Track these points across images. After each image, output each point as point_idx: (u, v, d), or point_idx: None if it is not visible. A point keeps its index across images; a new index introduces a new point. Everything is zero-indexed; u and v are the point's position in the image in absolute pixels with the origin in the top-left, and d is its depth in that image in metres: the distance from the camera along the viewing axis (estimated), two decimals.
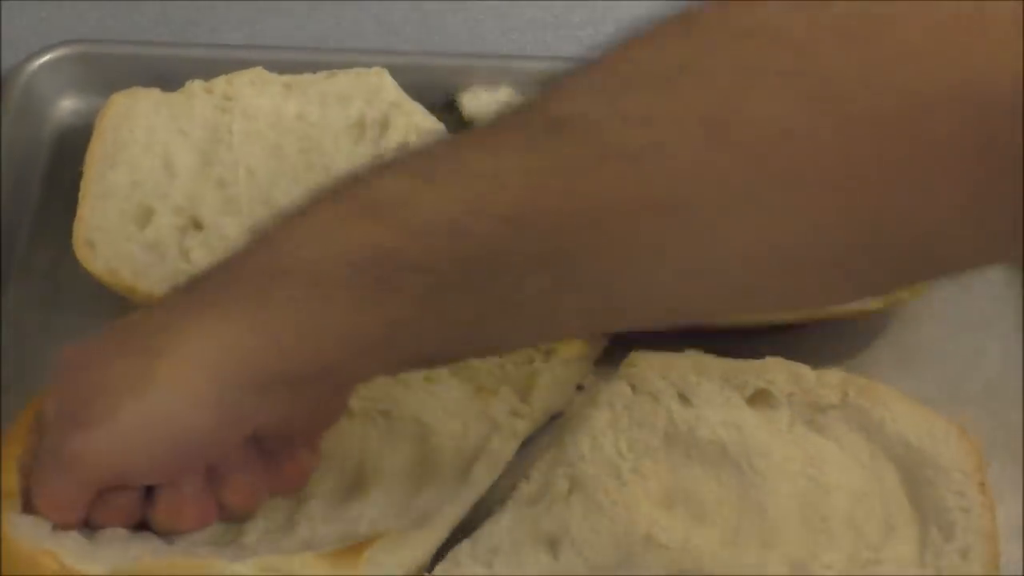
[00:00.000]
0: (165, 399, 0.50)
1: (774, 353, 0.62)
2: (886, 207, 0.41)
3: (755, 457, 0.59)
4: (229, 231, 0.65)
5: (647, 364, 0.61)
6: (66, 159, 0.71)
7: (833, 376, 0.61)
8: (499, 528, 0.57)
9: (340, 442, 0.58)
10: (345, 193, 0.49)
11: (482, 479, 0.58)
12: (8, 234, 0.68)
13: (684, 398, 0.60)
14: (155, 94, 0.69)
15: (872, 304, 0.63)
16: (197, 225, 0.66)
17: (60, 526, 0.53)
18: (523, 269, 0.46)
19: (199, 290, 0.52)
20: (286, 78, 0.70)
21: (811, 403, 0.60)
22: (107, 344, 0.53)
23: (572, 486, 0.57)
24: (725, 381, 0.61)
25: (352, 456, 0.58)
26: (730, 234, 0.43)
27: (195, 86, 0.70)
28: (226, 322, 0.50)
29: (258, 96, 0.70)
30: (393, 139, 0.68)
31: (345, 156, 0.67)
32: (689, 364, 0.61)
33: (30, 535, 0.52)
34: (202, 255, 0.64)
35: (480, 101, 0.71)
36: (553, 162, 0.44)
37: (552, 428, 0.61)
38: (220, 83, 0.70)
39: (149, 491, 0.54)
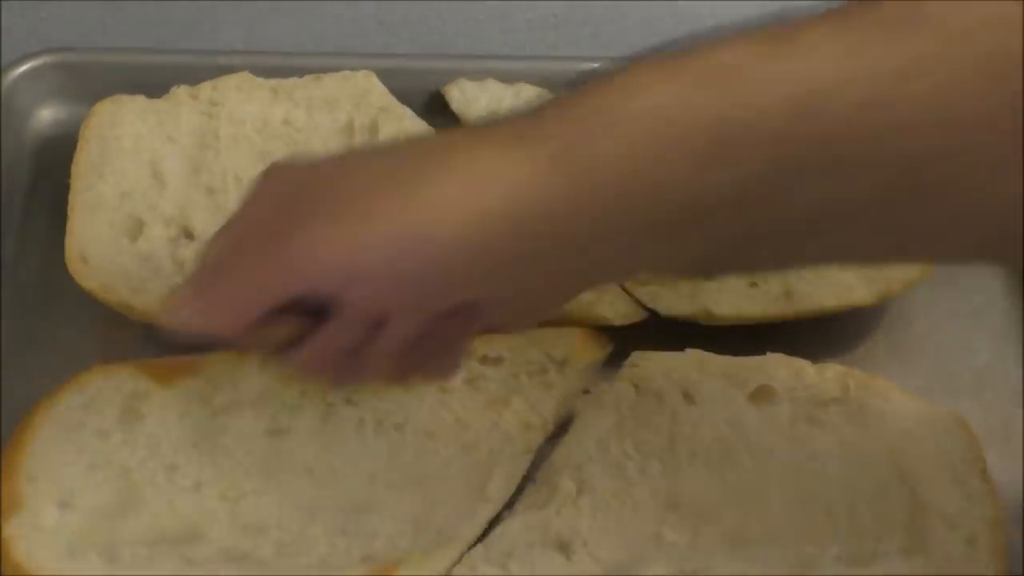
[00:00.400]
0: (439, 209, 0.44)
1: (772, 350, 0.62)
2: None
3: (758, 454, 0.59)
4: None
5: (650, 364, 0.62)
6: (48, 169, 0.69)
7: (832, 371, 0.62)
8: (511, 532, 0.57)
9: (352, 454, 0.58)
10: (670, 63, 0.44)
11: (498, 495, 0.58)
12: None
13: (688, 397, 0.61)
14: (140, 101, 0.68)
15: (865, 298, 0.64)
16: (189, 235, 0.65)
17: (218, 335, 0.49)
18: (865, 166, 0.42)
19: (490, 126, 0.46)
20: (273, 82, 0.69)
21: (812, 398, 0.61)
22: (352, 155, 0.50)
23: (580, 488, 0.58)
24: (727, 379, 0.61)
25: (363, 468, 0.58)
26: None
27: (180, 92, 0.69)
28: (524, 157, 0.44)
29: (245, 101, 0.69)
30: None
31: None
32: (691, 363, 0.62)
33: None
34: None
35: (467, 94, 0.70)
36: (917, 55, 0.41)
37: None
38: (206, 89, 0.69)
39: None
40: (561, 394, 0.61)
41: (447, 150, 0.46)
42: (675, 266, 0.49)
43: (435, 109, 0.71)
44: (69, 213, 0.64)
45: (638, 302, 0.64)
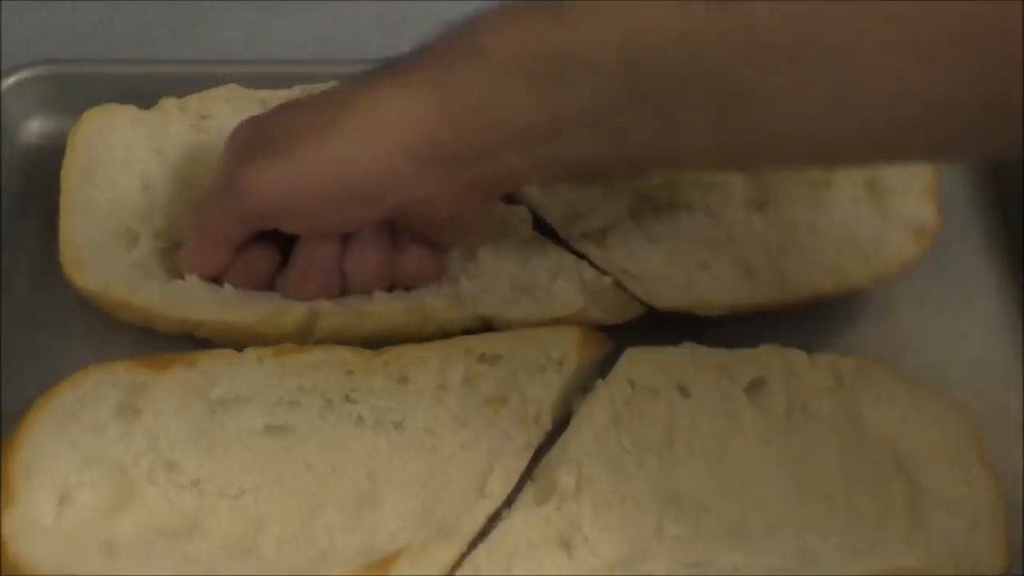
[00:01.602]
0: (344, 145, 0.56)
1: (764, 341, 0.62)
2: None
3: (755, 446, 0.59)
4: None
5: (644, 359, 0.61)
6: (36, 181, 0.69)
7: (826, 360, 0.62)
8: (512, 531, 0.56)
9: (351, 451, 0.58)
10: (534, 6, 0.53)
11: (497, 491, 0.57)
12: None
13: (683, 390, 0.61)
14: (131, 111, 0.68)
15: (861, 281, 0.65)
16: (179, 247, 0.64)
17: (201, 274, 0.61)
18: (684, 87, 0.51)
19: (388, 70, 0.56)
20: (262, 94, 0.69)
21: (806, 388, 0.61)
22: (290, 104, 0.60)
23: (579, 484, 0.57)
24: (721, 371, 0.61)
25: (363, 464, 0.58)
26: (882, 75, 0.48)
27: (169, 104, 0.68)
28: (410, 95, 0.55)
29: (233, 114, 0.68)
30: None
31: None
32: (685, 357, 0.62)
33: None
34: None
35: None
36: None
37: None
38: (193, 101, 0.68)
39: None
40: (560, 392, 0.60)
41: (354, 94, 0.57)
42: (548, 175, 0.58)
43: None
44: (61, 217, 0.64)
45: (636, 298, 0.64)
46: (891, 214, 0.66)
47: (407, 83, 0.55)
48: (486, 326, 0.63)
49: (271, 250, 0.61)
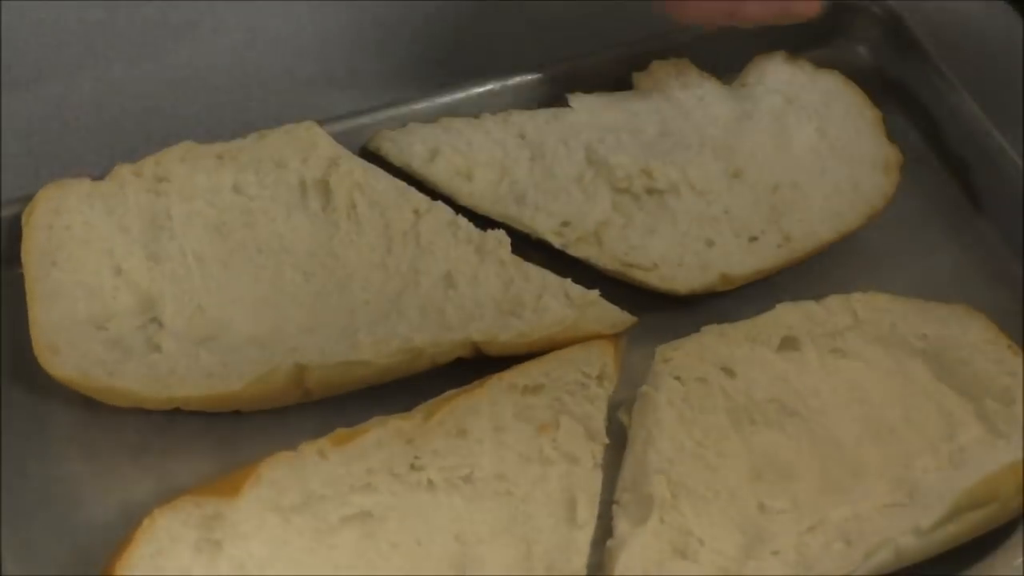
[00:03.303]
0: None
1: (767, 304, 0.63)
2: None
3: (808, 399, 0.61)
4: (190, 323, 0.61)
5: (679, 354, 0.62)
6: None
7: (836, 301, 0.64)
8: (629, 560, 0.56)
9: (430, 518, 0.56)
10: None
11: (588, 517, 0.57)
12: None
13: (727, 371, 0.61)
14: (85, 184, 0.63)
15: (855, 221, 0.67)
16: (157, 321, 0.61)
17: None
18: None
19: None
20: (217, 147, 0.65)
21: (828, 332, 0.63)
22: None
23: (673, 491, 0.57)
24: (752, 341, 0.62)
25: (446, 529, 0.56)
26: None
27: (123, 171, 0.64)
28: None
29: (190, 173, 0.64)
30: (339, 205, 0.64)
31: (293, 233, 0.64)
32: (714, 339, 0.62)
33: None
34: (172, 346, 0.60)
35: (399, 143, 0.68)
36: None
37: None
38: (149, 164, 0.64)
39: None
40: (606, 404, 0.60)
41: None
42: None
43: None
44: (28, 303, 0.60)
45: (652, 288, 0.64)
46: (855, 156, 0.69)
47: None
48: (478, 353, 0.62)
49: None
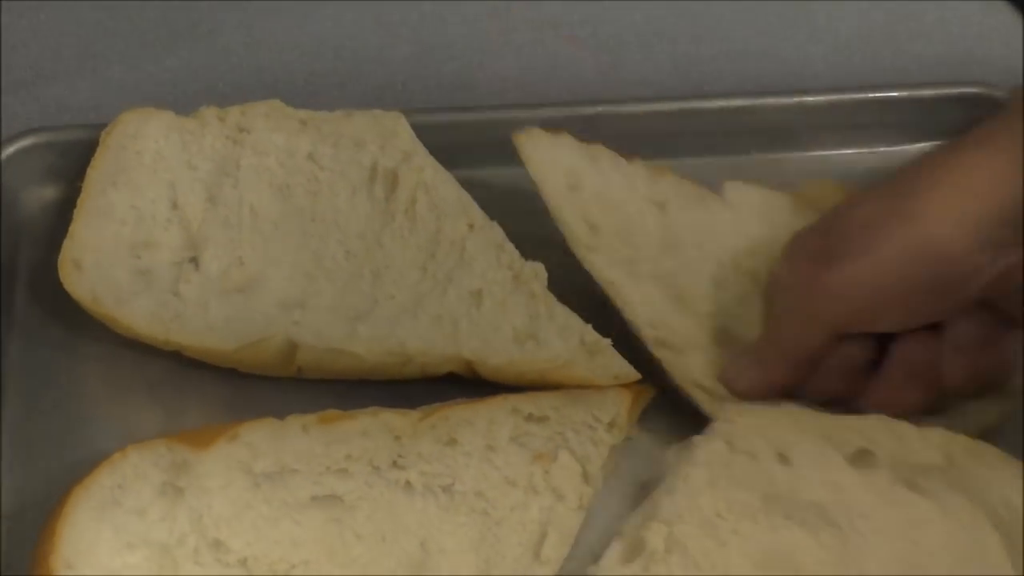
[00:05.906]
0: (931, 223, 0.53)
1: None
2: None
3: (856, 518, 0.57)
4: (226, 272, 0.62)
5: (744, 421, 0.59)
6: (35, 252, 0.66)
7: (936, 436, 0.59)
8: None
9: (401, 518, 0.56)
10: None
11: (554, 556, 0.56)
12: None
13: (783, 457, 0.58)
14: (167, 116, 0.65)
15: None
16: (194, 262, 0.62)
17: (778, 384, 0.58)
18: None
19: (965, 140, 0.54)
20: (303, 114, 0.66)
21: (913, 464, 0.58)
22: (850, 201, 0.57)
23: (669, 545, 0.55)
24: (825, 439, 0.58)
25: (414, 532, 0.56)
26: None
27: (208, 113, 0.66)
28: (997, 159, 0.52)
29: (272, 130, 0.65)
30: (400, 198, 0.64)
31: (351, 212, 0.64)
32: (787, 421, 0.59)
33: None
34: (192, 291, 0.61)
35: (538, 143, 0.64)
36: None
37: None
38: (234, 112, 0.66)
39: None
40: (609, 450, 0.59)
41: (930, 171, 0.54)
42: None
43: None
44: (74, 216, 0.61)
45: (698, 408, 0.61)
46: None
47: (991, 147, 0.52)
48: (474, 374, 0.61)
49: (861, 346, 0.58)
